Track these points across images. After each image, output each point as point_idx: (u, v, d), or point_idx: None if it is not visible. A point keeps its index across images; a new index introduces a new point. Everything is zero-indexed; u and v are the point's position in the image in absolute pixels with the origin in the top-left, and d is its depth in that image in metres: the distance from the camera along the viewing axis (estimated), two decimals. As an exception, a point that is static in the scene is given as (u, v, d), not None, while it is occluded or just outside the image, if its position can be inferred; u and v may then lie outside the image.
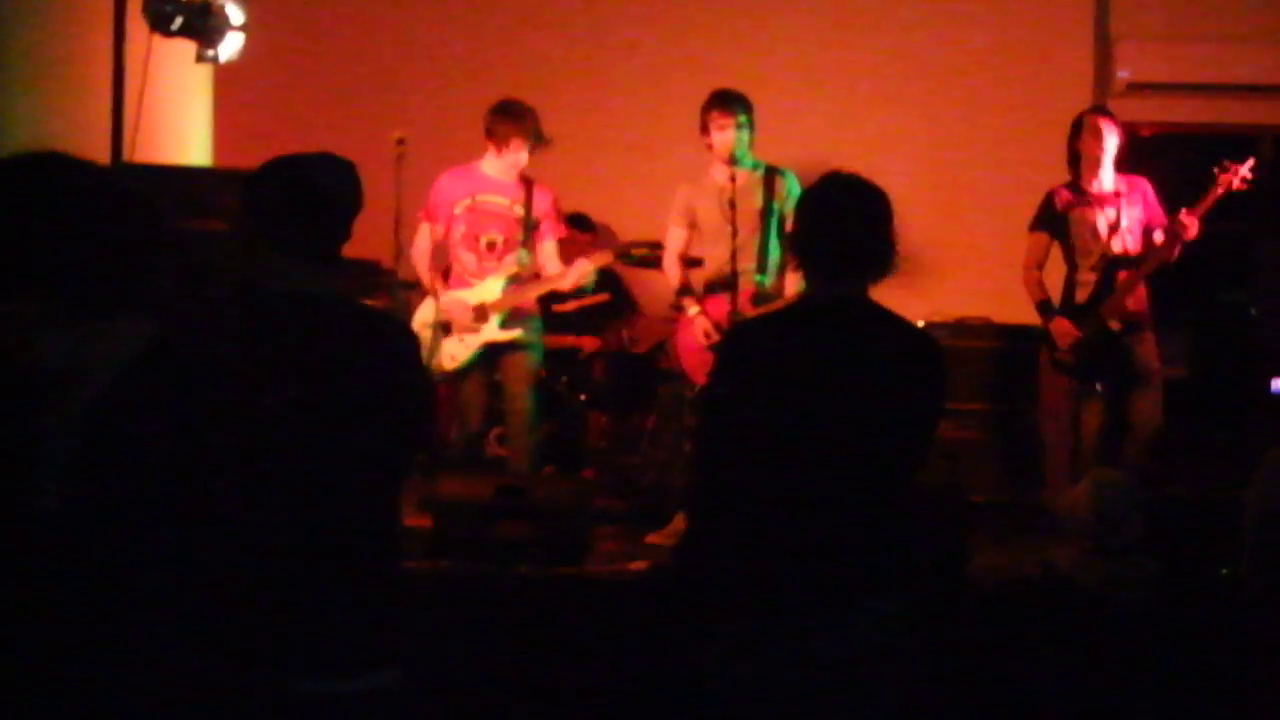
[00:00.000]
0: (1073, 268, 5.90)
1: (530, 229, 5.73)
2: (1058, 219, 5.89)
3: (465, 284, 5.75)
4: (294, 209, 2.70)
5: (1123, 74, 7.29)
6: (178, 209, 5.19)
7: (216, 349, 2.63)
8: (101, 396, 2.21)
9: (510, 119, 5.66)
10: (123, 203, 2.34)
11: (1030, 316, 6.03)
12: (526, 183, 5.77)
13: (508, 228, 5.72)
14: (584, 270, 5.71)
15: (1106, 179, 5.84)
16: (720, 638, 2.97)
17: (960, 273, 6.70)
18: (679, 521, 5.52)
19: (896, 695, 2.98)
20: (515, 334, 5.73)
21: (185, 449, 2.28)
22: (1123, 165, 5.92)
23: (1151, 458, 5.62)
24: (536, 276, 5.79)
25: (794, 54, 7.43)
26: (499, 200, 5.73)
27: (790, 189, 5.52)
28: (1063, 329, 5.80)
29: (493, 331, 5.70)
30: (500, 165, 5.71)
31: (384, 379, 2.68)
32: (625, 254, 6.02)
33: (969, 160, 7.29)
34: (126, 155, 4.72)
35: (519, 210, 5.70)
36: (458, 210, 5.71)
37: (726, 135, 5.47)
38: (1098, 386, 5.76)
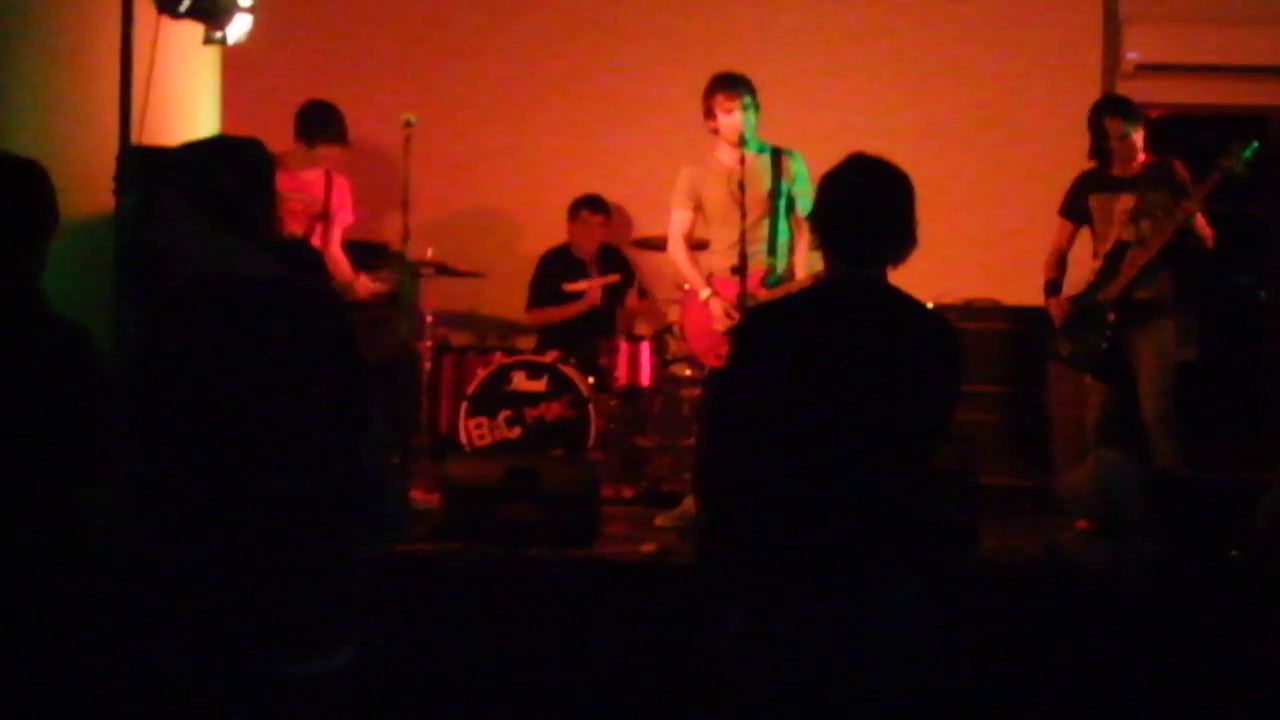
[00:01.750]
0: (1096, 254, 5.84)
1: (327, 219, 6.12)
2: (1080, 205, 5.85)
3: None
4: (251, 191, 2.68)
5: (1132, 56, 7.28)
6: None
7: (173, 338, 2.61)
8: None
9: (318, 121, 6.04)
10: None
11: (1038, 299, 6.02)
12: (327, 174, 6.17)
13: (306, 222, 6.12)
14: (368, 287, 6.11)
15: (1134, 164, 5.73)
16: (737, 619, 2.98)
17: (968, 255, 6.67)
18: (688, 504, 5.53)
19: (910, 675, 2.99)
20: None
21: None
22: (1152, 148, 5.81)
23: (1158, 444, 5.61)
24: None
25: (809, 40, 7.41)
26: (302, 195, 6.12)
27: (798, 169, 5.49)
28: (1054, 308, 5.80)
29: None
30: (306, 159, 6.07)
31: (330, 358, 2.65)
32: (414, 272, 6.44)
33: (977, 142, 7.27)
34: (134, 138, 4.72)
35: (318, 206, 6.07)
36: None
37: (734, 118, 5.44)
38: (1086, 379, 5.74)
